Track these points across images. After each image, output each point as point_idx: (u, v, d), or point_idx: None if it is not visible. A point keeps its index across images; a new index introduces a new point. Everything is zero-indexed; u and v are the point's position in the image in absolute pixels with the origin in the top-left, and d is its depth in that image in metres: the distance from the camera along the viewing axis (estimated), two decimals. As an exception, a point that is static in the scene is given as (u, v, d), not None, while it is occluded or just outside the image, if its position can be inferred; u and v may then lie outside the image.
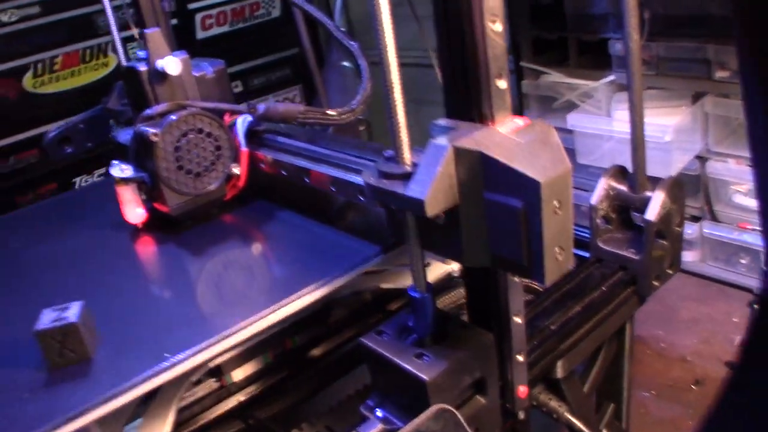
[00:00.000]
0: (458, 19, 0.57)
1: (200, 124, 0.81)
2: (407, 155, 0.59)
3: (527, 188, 0.53)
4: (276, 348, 0.87)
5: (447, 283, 0.92)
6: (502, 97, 0.60)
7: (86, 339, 0.61)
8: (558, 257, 0.56)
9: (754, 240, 1.30)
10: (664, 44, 1.30)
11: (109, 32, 1.95)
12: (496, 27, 0.57)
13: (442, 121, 0.62)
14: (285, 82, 2.51)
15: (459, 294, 0.93)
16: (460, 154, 0.56)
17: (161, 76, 0.81)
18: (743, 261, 1.34)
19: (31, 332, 0.60)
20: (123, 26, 2.04)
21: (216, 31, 2.36)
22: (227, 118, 0.86)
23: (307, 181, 0.77)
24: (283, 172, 0.81)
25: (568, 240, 0.56)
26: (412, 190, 0.56)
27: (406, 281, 0.83)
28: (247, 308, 0.66)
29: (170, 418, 0.66)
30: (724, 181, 1.30)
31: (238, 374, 0.86)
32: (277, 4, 2.70)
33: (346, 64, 1.72)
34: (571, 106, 1.46)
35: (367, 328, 0.96)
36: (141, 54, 0.83)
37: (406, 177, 0.58)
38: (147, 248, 0.86)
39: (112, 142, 0.92)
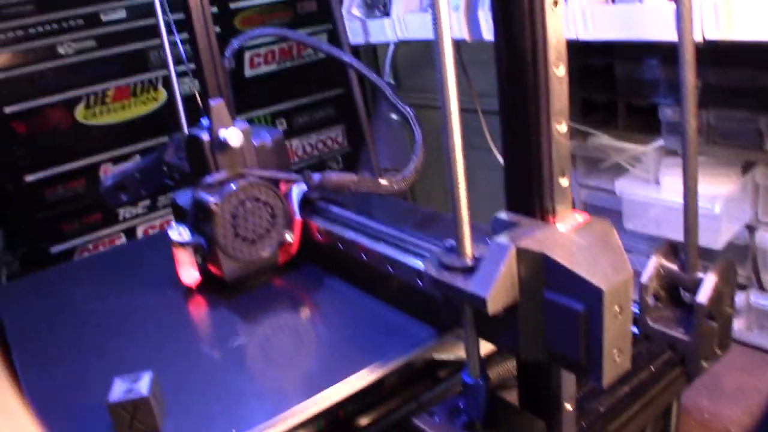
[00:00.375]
0: (525, 119, 0.58)
1: (257, 193, 0.84)
2: (469, 249, 0.60)
3: (590, 294, 0.53)
4: (328, 417, 0.88)
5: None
6: (564, 194, 0.61)
7: (156, 412, 0.62)
8: (616, 359, 0.56)
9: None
10: (714, 113, 1.30)
11: (160, 67, 2.02)
12: (561, 128, 0.58)
13: (504, 215, 0.63)
14: (329, 122, 2.54)
15: (504, 368, 0.93)
16: (522, 254, 0.56)
17: (222, 145, 0.83)
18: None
19: (103, 403, 0.61)
20: (177, 61, 2.10)
21: (263, 69, 2.41)
22: (283, 187, 0.88)
23: (364, 257, 0.78)
24: (339, 245, 0.82)
25: (626, 342, 0.56)
26: (475, 286, 0.56)
27: (459, 352, 0.83)
28: (308, 386, 0.67)
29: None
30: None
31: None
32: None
33: (394, 116, 1.74)
34: (618, 168, 1.45)
35: (417, 395, 0.97)
36: (204, 123, 0.86)
37: (468, 271, 0.59)
38: (202, 312, 0.88)
39: (171, 203, 0.94)
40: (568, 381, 0.68)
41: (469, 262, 0.60)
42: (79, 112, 1.95)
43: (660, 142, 1.37)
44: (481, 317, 0.62)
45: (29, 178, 1.81)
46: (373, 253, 0.76)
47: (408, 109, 1.04)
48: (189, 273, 0.88)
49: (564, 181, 0.60)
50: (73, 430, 0.65)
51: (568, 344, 0.56)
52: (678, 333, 0.89)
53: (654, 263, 0.92)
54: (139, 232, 2.05)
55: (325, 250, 0.87)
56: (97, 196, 1.95)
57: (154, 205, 2.06)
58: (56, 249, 1.87)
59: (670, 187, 1.31)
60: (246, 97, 2.38)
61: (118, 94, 2.01)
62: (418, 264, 0.71)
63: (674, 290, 0.93)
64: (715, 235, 1.23)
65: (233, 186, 0.82)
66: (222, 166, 0.85)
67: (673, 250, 0.93)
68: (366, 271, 0.80)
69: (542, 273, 0.56)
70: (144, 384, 0.62)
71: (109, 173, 1.90)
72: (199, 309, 0.88)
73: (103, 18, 1.93)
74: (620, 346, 0.56)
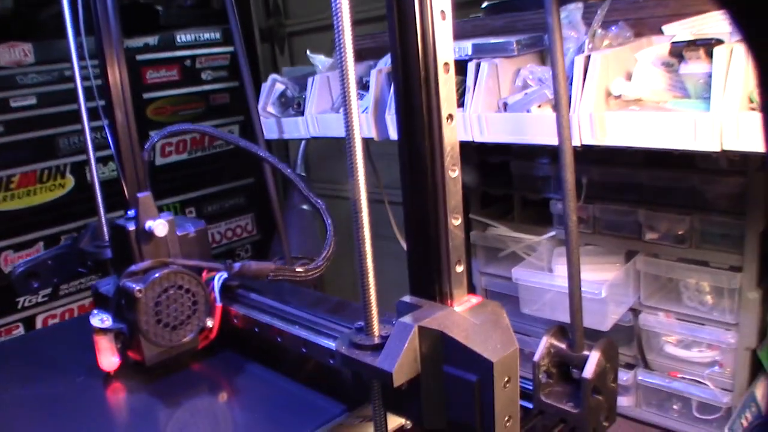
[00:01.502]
0: (425, 214, 0.67)
1: (180, 281, 0.88)
2: (376, 329, 0.67)
3: (481, 366, 0.61)
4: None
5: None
6: (460, 279, 0.69)
7: None
8: (507, 425, 0.63)
9: (685, 388, 1.40)
10: (599, 206, 1.45)
11: (68, 154, 2.01)
12: (456, 222, 0.68)
13: (407, 299, 0.71)
14: (238, 210, 2.58)
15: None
16: (423, 332, 0.64)
17: (148, 235, 0.88)
18: (675, 407, 1.44)
19: None
20: (80, 150, 2.08)
21: (174, 158, 2.44)
22: (204, 275, 0.93)
23: (280, 340, 0.84)
24: (256, 329, 0.88)
25: (515, 410, 0.64)
26: (382, 362, 0.63)
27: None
28: None
29: None
30: (656, 332, 1.42)
31: None
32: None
33: (305, 207, 1.83)
34: (515, 257, 1.58)
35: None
36: (130, 213, 0.91)
37: (375, 348, 0.66)
38: (120, 398, 0.89)
39: (92, 291, 0.97)
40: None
41: (376, 340, 0.67)
42: (-19, 198, 1.92)
43: (552, 233, 1.51)
44: (388, 391, 0.68)
45: (-71, 267, 1.77)
46: (288, 336, 0.82)
47: (320, 202, 1.12)
48: (109, 359, 0.90)
49: (459, 268, 0.69)
50: None
51: (465, 412, 0.64)
52: (568, 407, 0.98)
53: (545, 343, 1.01)
54: (39, 322, 2.00)
55: (242, 335, 0.92)
56: (-1, 283, 1.91)
57: (55, 294, 2.02)
58: (-46, 337, 1.81)
59: (563, 273, 1.44)
60: (156, 185, 2.43)
61: (24, 180, 1.99)
62: (331, 344, 0.77)
63: (564, 368, 1.03)
64: (601, 318, 1.36)
65: (157, 274, 0.86)
66: (147, 254, 0.89)
67: (562, 331, 1.04)
68: (281, 353, 0.86)
69: (441, 349, 0.64)
70: None
71: (18, 261, 1.87)
72: (117, 394, 0.90)
73: (12, 104, 1.94)
74: (510, 413, 0.63)
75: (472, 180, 1.62)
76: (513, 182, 1.62)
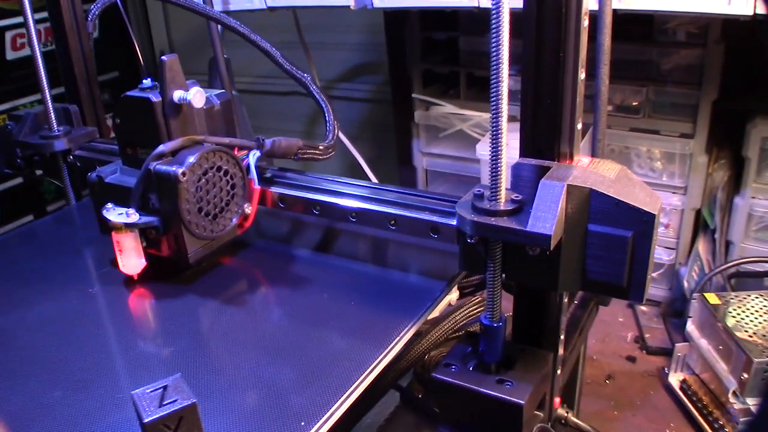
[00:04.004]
0: (551, 67, 0.62)
1: (219, 162, 0.77)
2: (505, 194, 0.63)
3: (641, 221, 0.59)
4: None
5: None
6: (579, 138, 0.66)
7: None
8: (650, 276, 0.63)
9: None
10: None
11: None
12: (582, 76, 0.64)
13: (525, 160, 0.66)
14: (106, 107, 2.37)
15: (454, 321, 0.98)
16: (571, 191, 0.61)
17: (176, 108, 0.75)
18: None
19: (139, 424, 0.49)
20: None
21: (28, 51, 2.18)
22: (235, 153, 0.82)
23: (353, 219, 0.76)
24: (315, 211, 0.79)
25: (653, 263, 0.64)
26: (536, 226, 0.59)
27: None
28: (347, 369, 0.63)
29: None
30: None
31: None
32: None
33: (234, 93, 1.67)
34: (457, 136, 1.57)
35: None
36: (146, 83, 0.76)
37: (513, 213, 0.62)
38: (151, 306, 0.77)
39: (89, 183, 0.82)
40: (563, 312, 0.74)
41: (505, 205, 0.63)
42: None
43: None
44: (514, 258, 0.65)
45: None
46: (367, 214, 0.75)
47: (306, 76, 1.02)
48: (133, 260, 0.78)
49: (579, 125, 0.66)
50: None
51: (613, 270, 0.62)
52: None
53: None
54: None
55: (281, 220, 0.83)
56: None
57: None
58: None
59: (513, 147, 1.45)
60: (8, 82, 2.20)
61: None
62: (431, 217, 0.71)
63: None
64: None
65: (193, 155, 0.74)
66: (175, 133, 0.76)
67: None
68: (343, 237, 0.78)
69: (587, 208, 0.61)
70: (182, 389, 0.51)
71: None
72: (146, 301, 0.78)
73: None
74: (652, 267, 0.63)
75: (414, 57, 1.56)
76: (460, 59, 1.58)
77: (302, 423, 0.55)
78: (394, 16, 1.66)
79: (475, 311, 0.88)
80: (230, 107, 0.82)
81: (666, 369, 1.36)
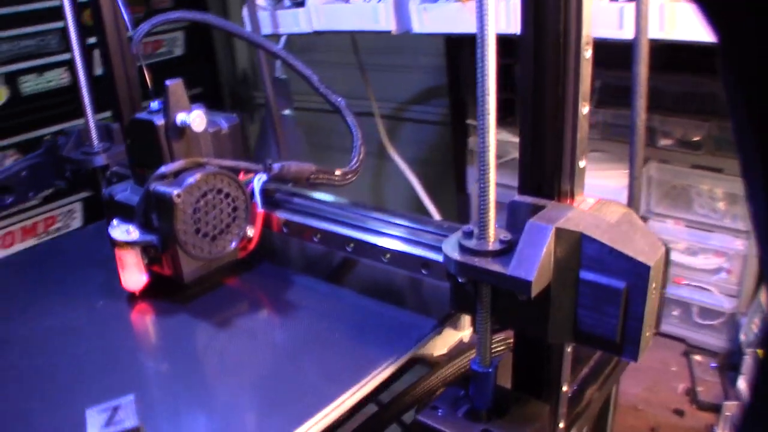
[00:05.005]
0: (553, 101, 0.58)
1: (219, 184, 0.76)
2: (493, 233, 0.59)
3: (634, 271, 0.54)
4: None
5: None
6: (582, 176, 0.61)
7: None
8: (648, 334, 0.57)
9: (687, 294, 1.41)
10: (611, 112, 1.39)
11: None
12: (585, 111, 0.59)
13: (522, 198, 0.62)
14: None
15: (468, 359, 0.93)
16: (560, 234, 0.56)
17: (180, 131, 0.75)
18: (675, 313, 1.45)
19: None
20: (15, 58, 1.88)
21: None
22: (241, 176, 0.81)
23: (349, 250, 0.74)
24: (315, 238, 0.77)
25: (655, 319, 0.58)
26: (517, 270, 0.55)
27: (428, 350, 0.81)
28: (311, 403, 0.60)
29: None
30: (663, 239, 1.41)
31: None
32: (181, 42, 2.62)
33: (287, 112, 1.69)
34: (513, 165, 1.52)
35: (365, 402, 0.93)
36: (154, 106, 0.77)
37: (497, 254, 0.58)
38: (150, 322, 0.78)
39: (104, 200, 0.83)
40: (566, 362, 0.69)
41: (493, 245, 0.59)
42: None
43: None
44: (503, 302, 0.61)
45: None
46: (364, 246, 0.72)
47: (339, 100, 1.01)
48: (135, 277, 0.78)
49: (582, 163, 0.61)
50: None
51: (604, 323, 0.57)
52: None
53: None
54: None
55: (287, 245, 0.82)
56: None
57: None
58: None
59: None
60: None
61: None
62: (423, 253, 0.68)
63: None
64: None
65: (193, 177, 0.74)
66: (177, 154, 0.76)
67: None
68: (342, 265, 0.76)
69: (578, 253, 0.56)
70: (130, 412, 0.51)
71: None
72: (146, 317, 0.78)
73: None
74: (651, 323, 0.57)
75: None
76: (516, 86, 1.53)
77: None
78: (451, 40, 1.63)
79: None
80: (238, 131, 0.82)
81: (715, 427, 1.25)
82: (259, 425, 0.58)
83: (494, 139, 0.57)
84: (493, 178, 0.57)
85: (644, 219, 1.43)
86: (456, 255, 0.59)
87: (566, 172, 0.61)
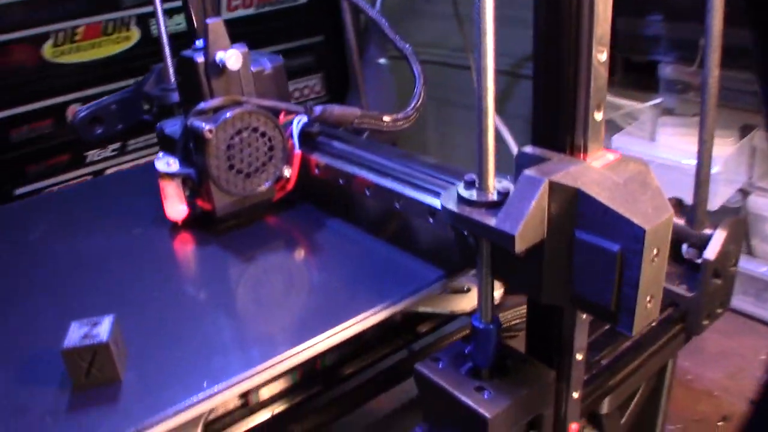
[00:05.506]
0: (563, 46, 0.54)
1: (255, 123, 0.78)
2: (492, 182, 0.56)
3: (629, 234, 0.49)
4: (304, 367, 0.84)
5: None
6: (598, 129, 0.57)
7: (117, 360, 0.56)
8: (648, 305, 0.53)
9: (790, 278, 1.28)
10: (723, 73, 1.27)
11: (132, 6, 1.93)
12: (602, 57, 0.54)
13: (530, 149, 0.59)
14: (306, 70, 2.46)
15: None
16: (554, 189, 0.52)
17: (219, 69, 0.77)
18: (775, 298, 1.32)
19: (58, 349, 0.55)
20: (145, 1, 1.99)
21: (241, 13, 2.32)
22: (281, 118, 0.82)
23: (368, 193, 0.73)
24: (341, 181, 0.77)
25: (659, 289, 0.53)
26: (503, 223, 0.52)
27: (445, 306, 0.80)
28: (295, 334, 0.61)
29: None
30: (765, 216, 1.28)
31: (264, 393, 0.83)
32: None
33: (382, 60, 1.67)
34: (611, 125, 1.43)
35: (398, 348, 0.94)
36: (198, 44, 0.79)
37: (492, 206, 0.55)
38: (186, 251, 0.82)
39: (157, 133, 0.88)
40: (581, 330, 0.65)
41: (491, 196, 0.56)
42: (47, 50, 1.85)
43: (658, 100, 1.35)
44: (500, 257, 0.58)
45: (-7, 116, 1.72)
46: (378, 189, 0.72)
47: (407, 47, 0.99)
48: (176, 207, 0.82)
49: (599, 116, 0.56)
50: (24, 379, 0.58)
51: (598, 289, 0.53)
52: (681, 289, 0.88)
53: (660, 217, 0.89)
54: (107, 178, 1.99)
55: (323, 187, 0.82)
56: (64, 136, 1.87)
57: (123, 149, 1.98)
58: (21, 191, 1.79)
59: (667, 144, 1.29)
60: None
61: (89, 32, 1.91)
62: (431, 200, 0.66)
63: (677, 246, 0.91)
64: (711, 196, 1.22)
65: (229, 113, 0.76)
66: (217, 92, 0.78)
67: (679, 205, 0.91)
68: (367, 209, 0.76)
69: (575, 211, 0.53)
70: (104, 328, 0.56)
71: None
72: (183, 248, 0.83)
73: (75, -47, 1.83)
74: (653, 293, 0.52)
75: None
76: (616, 42, 1.43)
77: (204, 383, 0.55)
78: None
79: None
80: (282, 72, 0.83)
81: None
82: (224, 358, 0.60)
83: (493, 81, 0.53)
84: (492, 123, 0.54)
85: (745, 193, 1.30)
86: (451, 204, 0.57)
87: (580, 125, 0.56)
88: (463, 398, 0.60)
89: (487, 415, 0.58)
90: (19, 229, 0.89)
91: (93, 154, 1.97)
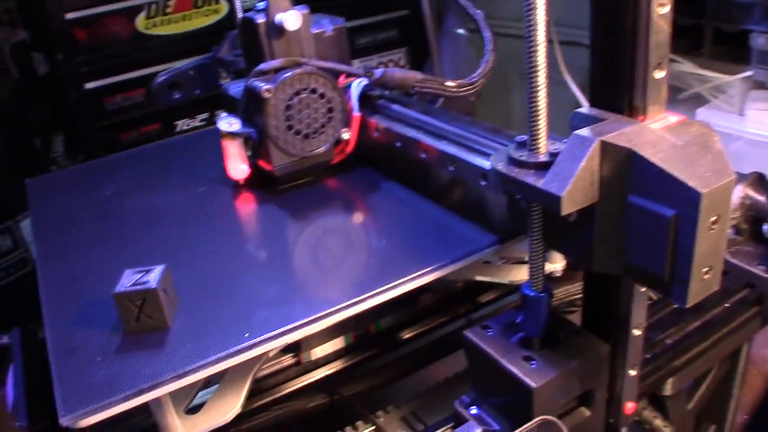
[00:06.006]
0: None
1: (314, 84, 0.78)
2: (543, 143, 0.54)
3: (684, 198, 0.46)
4: (358, 329, 0.85)
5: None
6: (659, 89, 0.53)
7: (165, 307, 0.58)
8: (705, 277, 0.49)
9: None
10: None
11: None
12: (663, 11, 0.50)
13: (586, 110, 0.56)
14: (391, 44, 2.45)
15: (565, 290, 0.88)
16: (607, 150, 0.50)
17: (279, 30, 0.77)
18: None
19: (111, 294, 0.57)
20: None
21: None
22: (341, 80, 0.82)
23: (423, 156, 0.72)
24: (397, 143, 0.76)
25: (719, 260, 0.50)
26: (549, 184, 0.50)
27: (505, 276, 0.78)
28: (343, 292, 0.62)
29: (245, 389, 0.64)
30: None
31: (317, 352, 0.84)
32: None
33: (460, 31, 1.64)
34: (698, 99, 1.35)
35: (456, 317, 0.92)
36: (260, 5, 0.80)
37: (541, 167, 0.53)
38: (246, 209, 0.83)
39: (221, 94, 0.89)
40: (639, 304, 0.62)
41: (542, 157, 0.54)
42: (140, 22, 1.92)
43: (749, 72, 1.26)
44: (552, 222, 0.56)
45: (89, 85, 1.79)
46: (433, 151, 0.70)
47: (478, 12, 0.96)
48: (237, 167, 0.84)
49: (660, 74, 0.53)
50: (81, 319, 0.62)
51: (652, 256, 0.50)
52: (759, 270, 0.82)
53: (740, 192, 0.84)
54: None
55: (382, 151, 0.82)
56: (155, 106, 1.94)
57: (212, 119, 2.04)
58: (115, 158, 1.88)
59: (757, 120, 1.21)
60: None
61: (180, 4, 1.96)
62: (484, 162, 0.64)
63: (757, 225, 0.86)
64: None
65: (287, 74, 0.76)
66: (278, 53, 0.79)
67: (761, 181, 0.85)
68: (422, 170, 0.75)
69: (628, 173, 0.50)
70: (154, 276, 0.58)
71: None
72: (243, 206, 0.84)
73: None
74: (711, 263, 0.49)
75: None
76: (705, 10, 1.35)
77: (246, 334, 0.56)
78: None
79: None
80: (343, 34, 0.82)
81: None
82: (265, 311, 0.61)
83: (544, 37, 0.51)
84: (544, 82, 0.52)
85: None
86: (500, 165, 0.55)
87: (639, 84, 0.53)
88: (509, 366, 0.59)
89: (532, 384, 0.57)
90: (97, 184, 0.94)
91: (182, 123, 2.04)
